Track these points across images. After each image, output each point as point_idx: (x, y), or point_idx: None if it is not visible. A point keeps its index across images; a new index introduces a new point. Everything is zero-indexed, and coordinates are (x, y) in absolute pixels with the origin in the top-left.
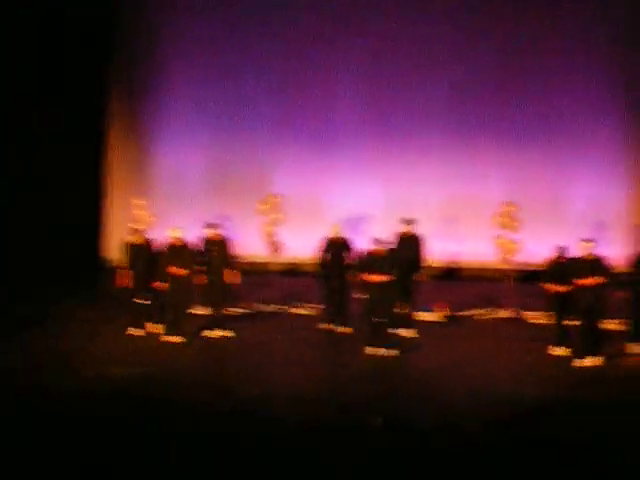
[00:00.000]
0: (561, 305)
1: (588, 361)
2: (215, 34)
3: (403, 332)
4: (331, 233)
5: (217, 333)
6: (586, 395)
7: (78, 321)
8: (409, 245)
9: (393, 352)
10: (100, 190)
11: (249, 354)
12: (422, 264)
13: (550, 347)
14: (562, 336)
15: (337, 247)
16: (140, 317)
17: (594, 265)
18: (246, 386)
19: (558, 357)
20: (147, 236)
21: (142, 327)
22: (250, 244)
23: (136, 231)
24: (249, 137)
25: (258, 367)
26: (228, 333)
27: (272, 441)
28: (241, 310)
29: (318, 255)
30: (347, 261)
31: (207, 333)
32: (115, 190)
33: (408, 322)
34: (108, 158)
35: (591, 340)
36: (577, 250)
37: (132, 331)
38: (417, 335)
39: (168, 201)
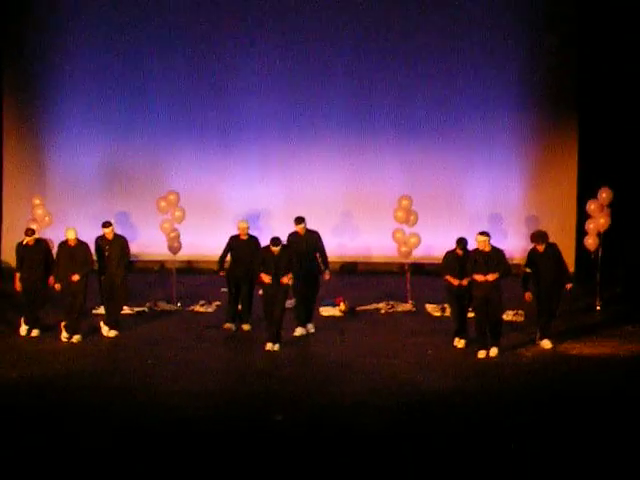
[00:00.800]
0: (459, 298)
1: (491, 352)
2: (113, 26)
3: (301, 330)
4: (240, 232)
5: (114, 332)
6: (487, 385)
7: None
8: (307, 242)
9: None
10: None
11: (146, 352)
12: (326, 259)
13: (454, 339)
14: (461, 328)
15: (244, 245)
16: (34, 319)
17: (491, 258)
18: (145, 384)
19: (459, 349)
20: (39, 237)
21: (36, 329)
22: (148, 242)
23: (29, 231)
24: (147, 133)
25: (156, 365)
26: (112, 333)
27: (173, 437)
28: (139, 309)
29: (223, 253)
30: (253, 260)
31: (105, 333)
32: (10, 190)
33: (309, 318)
34: (3, 157)
35: (492, 331)
36: (474, 243)
37: (25, 333)
38: (312, 330)
39: (64, 200)
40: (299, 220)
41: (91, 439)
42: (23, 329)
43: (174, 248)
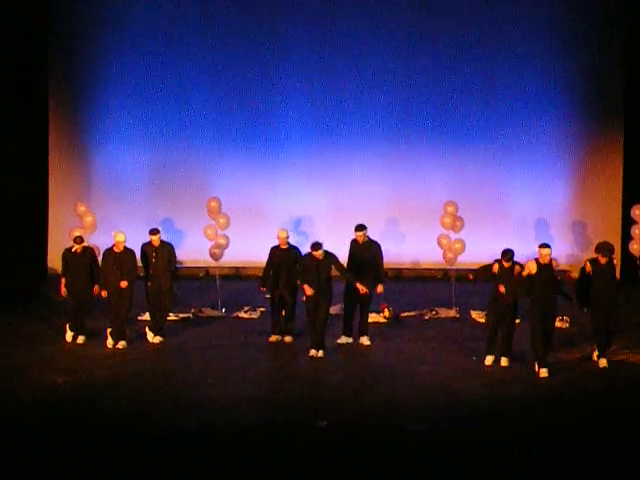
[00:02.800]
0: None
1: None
2: (156, 37)
3: (345, 338)
4: (279, 241)
5: (159, 339)
6: (530, 393)
7: (21, 330)
8: (367, 251)
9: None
10: (43, 197)
11: (191, 358)
12: (382, 271)
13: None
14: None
15: (285, 255)
16: (79, 325)
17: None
18: (189, 390)
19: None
20: (85, 243)
21: (82, 335)
22: (192, 248)
23: (77, 239)
24: (191, 141)
25: (201, 371)
26: (157, 339)
27: (217, 443)
28: (184, 315)
29: (266, 267)
30: (295, 270)
31: (150, 339)
32: (56, 196)
33: (364, 329)
34: (49, 164)
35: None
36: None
37: (71, 339)
38: (368, 343)
39: (110, 206)
40: (359, 228)
41: (135, 445)
42: (69, 335)
43: (215, 255)
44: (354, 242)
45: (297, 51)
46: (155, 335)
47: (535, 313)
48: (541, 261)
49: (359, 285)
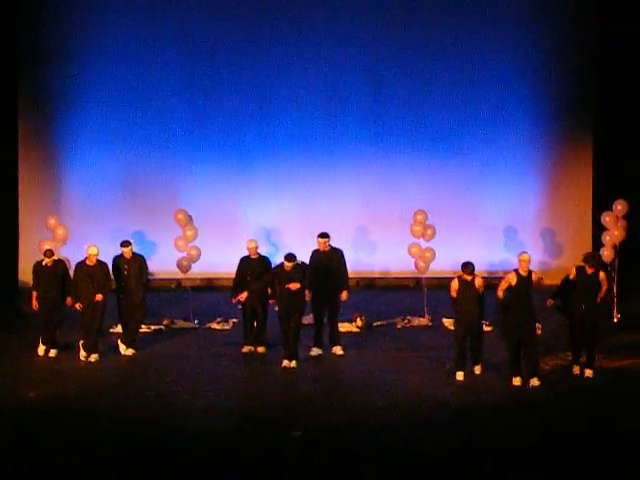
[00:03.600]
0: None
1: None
2: (130, 45)
3: (317, 350)
4: (249, 251)
5: (131, 351)
6: (503, 400)
7: None
8: (330, 259)
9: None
10: (12, 210)
11: (164, 370)
12: (347, 277)
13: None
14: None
15: (255, 265)
16: (51, 339)
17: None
18: (162, 402)
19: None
20: (56, 256)
21: (54, 348)
22: (164, 260)
23: (48, 252)
24: (161, 153)
25: (174, 383)
26: (129, 351)
27: (189, 455)
28: (156, 327)
29: (235, 278)
30: (266, 278)
31: (123, 351)
32: (26, 209)
33: (335, 340)
34: (19, 176)
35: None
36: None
37: (43, 353)
38: (341, 352)
39: (80, 219)
40: (322, 235)
41: (108, 457)
42: (41, 349)
43: (183, 266)
44: (316, 251)
45: (266, 60)
46: (127, 347)
47: (510, 325)
48: (520, 271)
49: (292, 285)
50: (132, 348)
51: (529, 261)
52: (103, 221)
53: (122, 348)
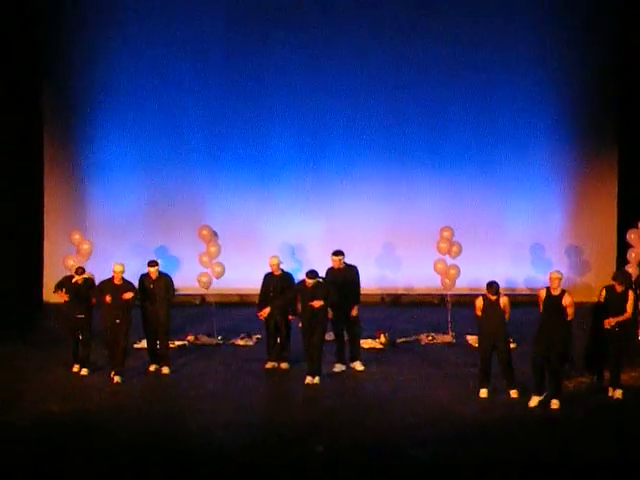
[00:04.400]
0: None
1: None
2: (152, 64)
3: (340, 366)
4: (272, 268)
5: (162, 369)
6: (527, 418)
7: (18, 360)
8: (345, 276)
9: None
10: (38, 226)
11: (187, 386)
12: (359, 293)
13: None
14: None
15: (278, 282)
16: (82, 357)
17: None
18: (186, 418)
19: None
20: (83, 273)
21: (83, 365)
22: (188, 276)
23: (79, 270)
24: (185, 168)
25: (198, 399)
26: (166, 369)
27: (202, 468)
28: (180, 343)
29: (260, 294)
30: (288, 295)
31: (151, 368)
32: (51, 225)
33: (355, 355)
34: (44, 192)
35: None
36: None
37: (76, 369)
38: (361, 368)
39: (104, 234)
40: (337, 253)
41: (129, 472)
42: (75, 367)
43: (203, 283)
44: (330, 269)
45: (289, 78)
46: (163, 366)
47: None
48: (551, 290)
49: (315, 302)
50: (167, 366)
51: (560, 279)
52: (127, 236)
53: (152, 365)
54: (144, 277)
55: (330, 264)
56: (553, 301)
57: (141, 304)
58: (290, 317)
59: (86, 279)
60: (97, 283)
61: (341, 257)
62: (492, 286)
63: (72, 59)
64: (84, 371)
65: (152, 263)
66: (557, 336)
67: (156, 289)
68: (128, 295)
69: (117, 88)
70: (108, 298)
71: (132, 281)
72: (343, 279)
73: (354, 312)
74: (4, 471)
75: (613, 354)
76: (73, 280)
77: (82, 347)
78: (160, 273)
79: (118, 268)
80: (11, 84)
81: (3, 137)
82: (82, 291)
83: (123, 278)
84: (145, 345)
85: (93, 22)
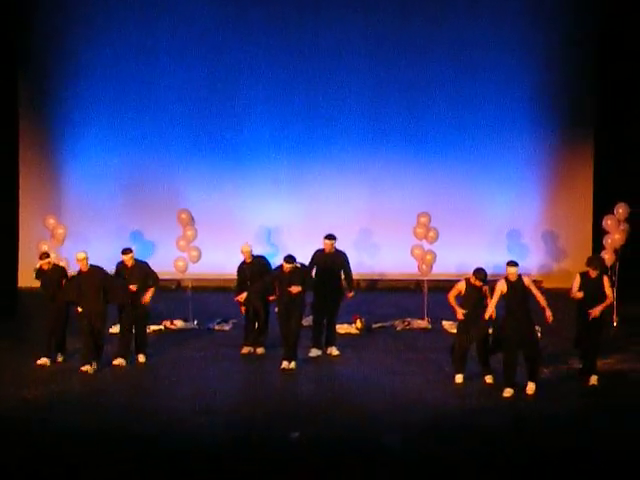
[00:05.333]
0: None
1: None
2: (129, 47)
3: (316, 351)
4: (244, 255)
5: (138, 356)
6: (503, 404)
7: None
8: (334, 261)
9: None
10: (13, 209)
11: (163, 371)
12: (352, 282)
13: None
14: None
15: (252, 268)
16: (59, 346)
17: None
18: (161, 403)
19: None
20: (54, 261)
21: (50, 356)
22: (164, 260)
23: (44, 255)
24: (161, 152)
25: (173, 384)
26: (142, 357)
27: (189, 456)
28: (156, 327)
29: (237, 281)
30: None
31: (116, 361)
32: (27, 208)
33: (331, 340)
34: (19, 176)
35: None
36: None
37: (45, 363)
38: (336, 353)
39: (80, 219)
40: (330, 237)
41: (109, 458)
42: (41, 361)
43: (180, 267)
44: (320, 252)
45: (267, 61)
46: (139, 354)
47: (508, 335)
48: (510, 279)
49: (293, 288)
50: (143, 354)
51: (516, 273)
52: (102, 221)
53: (141, 357)
54: (120, 265)
55: (309, 248)
56: (516, 288)
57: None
58: (271, 298)
59: (56, 266)
60: (69, 275)
61: (333, 241)
62: (480, 272)
63: (49, 42)
64: (60, 358)
65: (126, 251)
66: (528, 322)
67: (133, 277)
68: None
69: (94, 71)
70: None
71: (106, 269)
72: (331, 263)
73: (350, 294)
74: None
75: (592, 340)
76: (37, 266)
77: (56, 334)
78: (137, 261)
79: (81, 255)
80: None
81: None
82: (52, 277)
83: (90, 265)
84: (117, 330)
85: (73, 5)
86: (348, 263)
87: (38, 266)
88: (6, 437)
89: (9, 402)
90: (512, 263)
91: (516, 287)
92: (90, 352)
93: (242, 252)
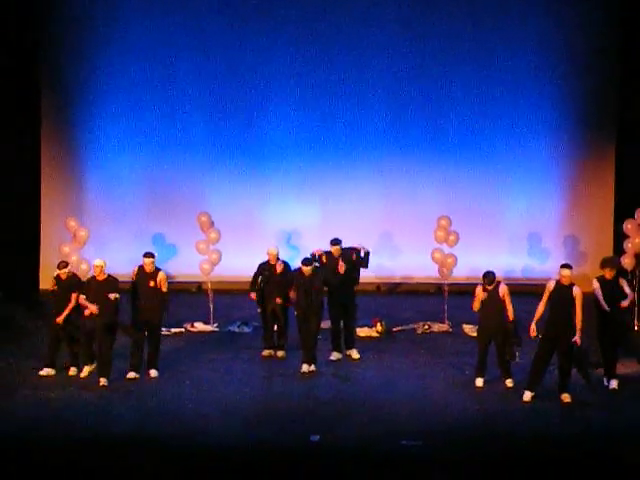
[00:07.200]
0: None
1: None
2: (150, 50)
3: (337, 354)
4: (269, 257)
5: (150, 371)
6: (524, 407)
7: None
8: (344, 262)
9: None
10: (35, 212)
11: (183, 374)
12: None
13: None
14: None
15: (274, 272)
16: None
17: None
18: (182, 406)
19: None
20: (66, 267)
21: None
22: (185, 263)
23: (62, 264)
24: (183, 155)
25: (193, 386)
26: (154, 372)
27: (209, 459)
28: (176, 330)
29: (254, 280)
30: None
31: (129, 375)
32: (49, 211)
33: (350, 343)
34: (42, 178)
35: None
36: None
37: (44, 372)
38: (357, 356)
39: (101, 221)
40: (336, 242)
41: (129, 462)
42: (44, 371)
43: (205, 270)
44: (328, 254)
45: (289, 65)
46: (151, 369)
47: (545, 336)
48: (562, 282)
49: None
50: (156, 368)
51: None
52: (123, 223)
53: (153, 372)
54: (139, 269)
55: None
56: (563, 292)
57: (132, 301)
58: (291, 294)
59: (72, 276)
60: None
61: (339, 246)
62: (488, 276)
63: (70, 48)
64: (72, 370)
65: (148, 255)
66: (566, 327)
67: (149, 284)
68: (113, 295)
69: (116, 74)
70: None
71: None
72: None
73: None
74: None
75: (613, 345)
76: (55, 274)
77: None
78: (156, 268)
79: (99, 262)
80: (8, 69)
81: (0, 125)
82: (66, 287)
83: (107, 274)
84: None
85: (91, 14)
86: (359, 256)
87: (55, 274)
88: (24, 440)
89: (28, 404)
90: (566, 266)
91: (562, 292)
92: (84, 357)
93: (268, 254)
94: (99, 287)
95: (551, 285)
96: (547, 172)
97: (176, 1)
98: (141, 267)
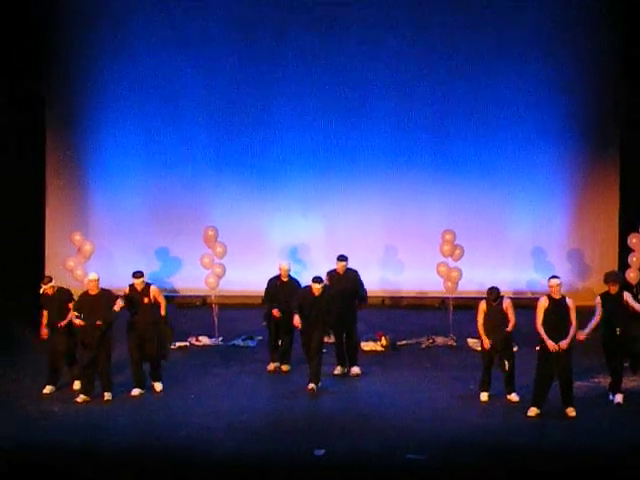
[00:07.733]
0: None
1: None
2: (155, 63)
3: (340, 368)
4: (281, 272)
5: (155, 385)
6: (528, 421)
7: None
8: (347, 280)
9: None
10: (40, 225)
11: (188, 387)
12: (365, 296)
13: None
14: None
15: (284, 287)
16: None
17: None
18: (186, 420)
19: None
20: (50, 282)
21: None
22: (189, 277)
23: (47, 279)
24: (188, 169)
25: (198, 400)
26: (159, 385)
27: (213, 473)
28: (181, 344)
29: (265, 293)
30: (293, 302)
31: (134, 392)
32: (54, 224)
33: (353, 360)
34: (47, 192)
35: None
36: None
37: (46, 390)
38: (359, 372)
39: (106, 235)
40: (342, 258)
41: (134, 475)
42: (47, 389)
43: (210, 283)
44: (333, 273)
45: (294, 79)
46: (155, 382)
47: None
48: (553, 295)
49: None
50: (159, 381)
51: (560, 285)
52: (128, 237)
53: (157, 386)
54: (130, 289)
55: (332, 266)
56: (558, 307)
57: (130, 318)
58: (296, 322)
59: (60, 290)
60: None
61: (345, 262)
62: (492, 292)
63: (74, 62)
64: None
65: (137, 275)
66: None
67: (144, 301)
68: (118, 306)
69: (121, 88)
70: (77, 322)
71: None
72: (345, 283)
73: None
74: None
75: (619, 359)
76: (41, 291)
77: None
78: (146, 284)
79: (92, 277)
80: (12, 81)
81: (5, 137)
82: (56, 302)
83: (100, 288)
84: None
85: (100, 27)
86: (360, 279)
87: (42, 291)
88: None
89: (31, 418)
90: (554, 277)
91: (557, 306)
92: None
93: (280, 269)
94: (94, 301)
95: (544, 302)
96: (552, 186)
97: (185, 12)
98: (132, 286)
